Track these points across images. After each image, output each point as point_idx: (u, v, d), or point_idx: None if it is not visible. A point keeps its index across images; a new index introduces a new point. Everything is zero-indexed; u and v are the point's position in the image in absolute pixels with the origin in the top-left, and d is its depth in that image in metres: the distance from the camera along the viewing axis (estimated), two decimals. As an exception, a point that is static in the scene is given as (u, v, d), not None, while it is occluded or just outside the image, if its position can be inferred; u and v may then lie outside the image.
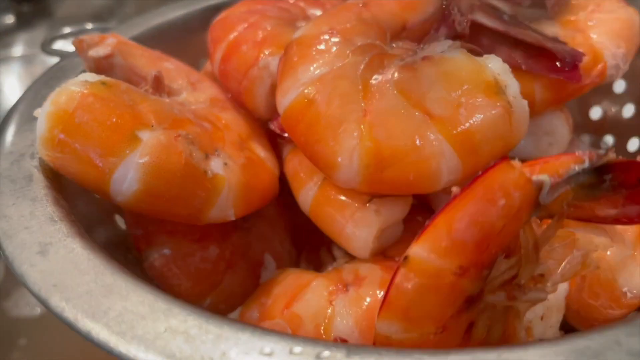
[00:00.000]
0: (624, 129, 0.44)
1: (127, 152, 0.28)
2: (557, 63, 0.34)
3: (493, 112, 0.29)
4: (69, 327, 0.21)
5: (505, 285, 0.25)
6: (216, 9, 0.43)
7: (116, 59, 0.36)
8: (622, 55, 0.36)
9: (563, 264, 0.26)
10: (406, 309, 0.23)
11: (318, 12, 0.41)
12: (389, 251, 0.33)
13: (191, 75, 0.38)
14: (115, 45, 0.36)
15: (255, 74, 0.36)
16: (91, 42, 0.36)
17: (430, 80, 0.30)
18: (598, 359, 0.19)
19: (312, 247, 0.39)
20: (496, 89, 0.29)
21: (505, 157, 0.23)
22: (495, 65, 0.30)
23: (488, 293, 0.25)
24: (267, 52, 0.36)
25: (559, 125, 0.38)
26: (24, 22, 0.82)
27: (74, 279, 0.23)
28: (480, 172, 0.23)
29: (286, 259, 0.38)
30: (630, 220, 0.25)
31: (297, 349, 0.19)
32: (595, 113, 0.46)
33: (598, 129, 0.46)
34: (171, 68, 0.37)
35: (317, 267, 0.37)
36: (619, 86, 0.44)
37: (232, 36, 0.38)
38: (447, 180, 0.29)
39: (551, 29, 0.37)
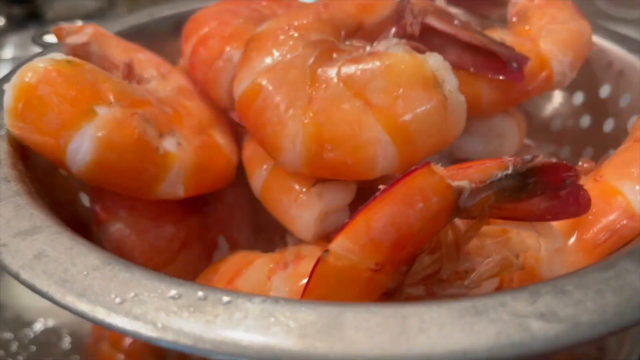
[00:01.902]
0: (580, 140, 0.46)
1: (83, 124, 0.30)
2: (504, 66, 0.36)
3: (429, 104, 0.30)
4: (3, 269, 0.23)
5: (427, 279, 0.26)
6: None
7: (92, 47, 0.39)
8: (568, 64, 0.37)
9: (487, 261, 0.27)
10: (325, 296, 0.25)
11: (288, 14, 0.43)
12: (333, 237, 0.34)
13: (162, 67, 0.40)
14: (92, 35, 0.39)
15: (219, 66, 0.38)
16: (70, 30, 0.38)
17: (372, 73, 0.31)
18: (481, 316, 0.20)
19: (269, 234, 0.40)
20: (433, 83, 0.31)
21: (427, 162, 0.24)
22: (434, 61, 0.31)
23: (409, 286, 0.26)
24: (232, 46, 0.38)
25: (510, 128, 0.39)
26: (14, 24, 0.82)
27: (14, 230, 0.25)
28: (413, 167, 0.24)
29: (243, 244, 0.40)
30: (554, 217, 0.25)
31: (200, 294, 0.21)
32: (556, 124, 0.47)
33: (558, 140, 0.48)
34: (143, 58, 0.40)
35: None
36: (578, 98, 0.45)
37: (202, 32, 0.40)
38: (383, 167, 0.31)
39: (504, 37, 0.38)
